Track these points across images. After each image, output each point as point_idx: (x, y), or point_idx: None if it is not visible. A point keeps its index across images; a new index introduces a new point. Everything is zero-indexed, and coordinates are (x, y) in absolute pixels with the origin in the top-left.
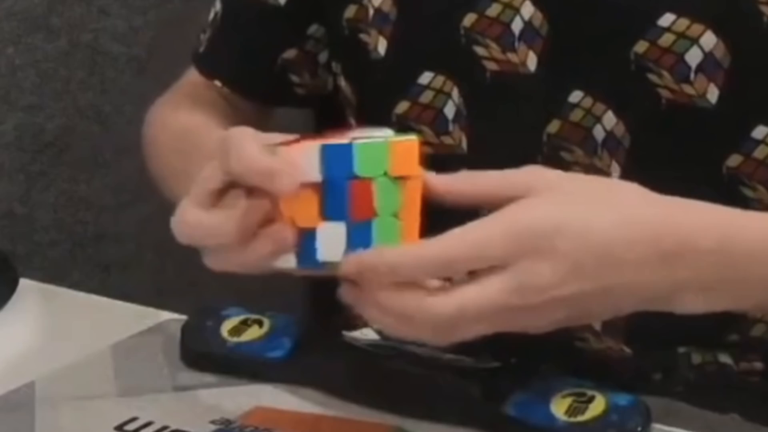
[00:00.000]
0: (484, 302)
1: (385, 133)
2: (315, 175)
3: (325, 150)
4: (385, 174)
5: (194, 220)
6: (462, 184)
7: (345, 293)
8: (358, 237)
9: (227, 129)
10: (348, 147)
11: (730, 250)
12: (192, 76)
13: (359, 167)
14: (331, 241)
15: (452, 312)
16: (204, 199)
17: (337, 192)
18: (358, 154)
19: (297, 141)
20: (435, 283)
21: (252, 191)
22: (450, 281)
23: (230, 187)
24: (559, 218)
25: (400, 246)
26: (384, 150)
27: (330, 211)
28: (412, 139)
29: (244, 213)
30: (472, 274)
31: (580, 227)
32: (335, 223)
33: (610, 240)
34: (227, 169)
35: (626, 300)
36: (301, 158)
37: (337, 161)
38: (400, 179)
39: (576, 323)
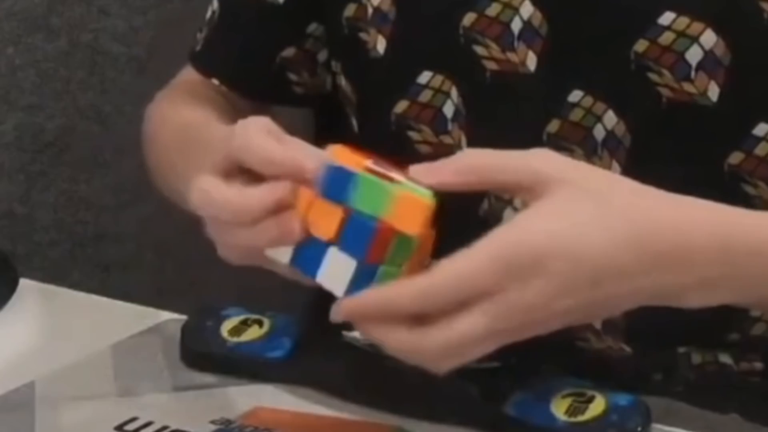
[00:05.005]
0: (471, 332)
1: (415, 185)
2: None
3: (330, 170)
4: (380, 219)
5: (216, 191)
6: (466, 175)
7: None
8: (363, 278)
9: (228, 125)
10: (351, 175)
11: (731, 248)
12: (189, 74)
13: (356, 199)
14: (336, 269)
15: (438, 347)
16: (223, 174)
17: (363, 229)
18: (360, 186)
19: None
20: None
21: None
22: None
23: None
24: (552, 240)
25: (388, 284)
26: (388, 194)
27: (347, 242)
28: (426, 201)
29: (265, 193)
30: (460, 304)
31: (573, 245)
32: (348, 257)
33: (605, 252)
34: (235, 157)
35: (627, 303)
36: (312, 163)
37: (336, 182)
38: (417, 236)
39: (575, 324)
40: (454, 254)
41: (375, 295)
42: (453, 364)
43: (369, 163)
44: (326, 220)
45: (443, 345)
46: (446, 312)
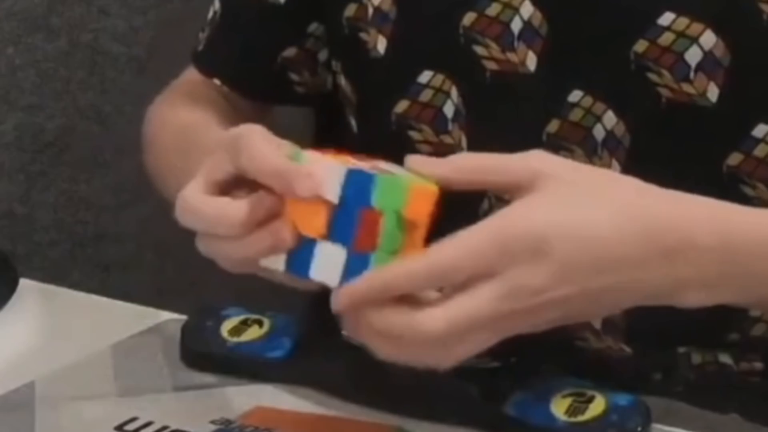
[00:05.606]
0: (474, 312)
1: (406, 173)
2: (332, 194)
3: (350, 174)
4: (397, 212)
5: (200, 205)
6: (466, 174)
7: (345, 327)
8: (355, 266)
9: (227, 127)
10: (370, 176)
11: (731, 246)
12: (190, 74)
13: (376, 199)
14: (327, 261)
15: (442, 326)
16: (210, 187)
17: (348, 217)
18: (379, 186)
19: (319, 152)
20: (433, 294)
21: (258, 187)
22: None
23: (235, 180)
24: (554, 220)
25: (389, 263)
26: (404, 188)
27: (335, 233)
28: (432, 187)
29: (251, 205)
30: (463, 284)
31: (576, 228)
32: (337, 246)
33: (608, 240)
34: (238, 166)
35: (626, 298)
36: (324, 173)
37: (356, 187)
38: (408, 222)
39: (574, 321)
40: (456, 233)
41: (371, 276)
42: (455, 356)
43: (352, 161)
44: (313, 218)
45: (446, 325)
46: (447, 294)
